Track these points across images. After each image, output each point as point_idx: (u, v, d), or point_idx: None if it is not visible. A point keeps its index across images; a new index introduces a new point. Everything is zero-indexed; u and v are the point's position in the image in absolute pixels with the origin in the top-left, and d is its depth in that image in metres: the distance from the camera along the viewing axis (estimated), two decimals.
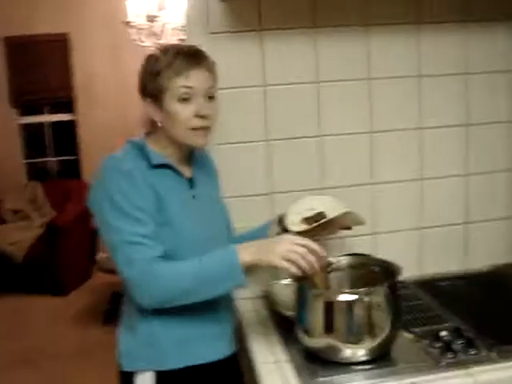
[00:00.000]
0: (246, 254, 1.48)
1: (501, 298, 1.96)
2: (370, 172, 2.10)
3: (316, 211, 1.81)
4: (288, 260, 1.45)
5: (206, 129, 1.59)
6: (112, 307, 4.43)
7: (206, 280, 1.49)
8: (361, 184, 2.10)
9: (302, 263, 1.45)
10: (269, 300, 1.97)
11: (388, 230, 2.15)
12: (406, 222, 2.17)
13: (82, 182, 5.99)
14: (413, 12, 2.04)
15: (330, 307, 1.52)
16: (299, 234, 1.76)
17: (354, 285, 1.74)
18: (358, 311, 1.50)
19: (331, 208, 1.82)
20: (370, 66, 2.03)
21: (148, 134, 1.67)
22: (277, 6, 1.94)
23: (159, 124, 1.60)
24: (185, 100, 1.54)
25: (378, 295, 1.52)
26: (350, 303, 1.50)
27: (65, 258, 5.17)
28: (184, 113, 1.55)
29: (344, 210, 1.77)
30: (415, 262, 2.19)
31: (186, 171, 1.67)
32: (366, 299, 1.50)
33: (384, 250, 2.11)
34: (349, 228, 1.85)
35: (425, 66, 2.08)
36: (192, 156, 1.70)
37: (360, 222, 1.83)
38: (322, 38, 1.99)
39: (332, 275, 1.73)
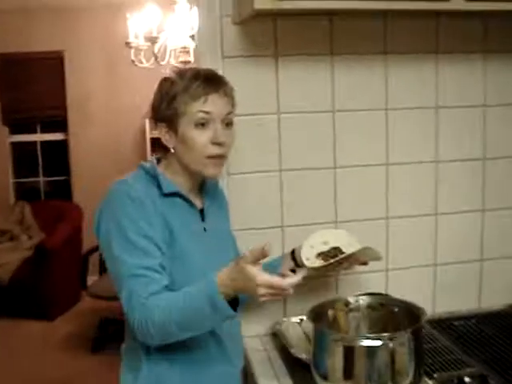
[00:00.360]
0: (226, 288, 1.36)
1: None
2: (385, 206, 2.01)
3: (331, 246, 1.73)
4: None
5: (221, 157, 1.51)
6: (101, 334, 4.30)
7: (192, 314, 1.38)
8: (375, 218, 2.01)
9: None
10: (278, 339, 1.87)
11: (401, 267, 2.06)
12: (419, 259, 2.08)
13: (73, 203, 5.87)
14: (431, 41, 1.97)
15: (350, 352, 1.42)
16: (314, 269, 1.68)
17: (372, 326, 1.65)
18: (381, 357, 1.40)
19: (346, 242, 1.75)
20: (387, 95, 1.96)
21: (159, 159, 1.58)
22: (293, 31, 1.87)
23: (172, 150, 1.51)
24: (202, 125, 1.47)
25: (403, 340, 1.42)
26: (372, 349, 1.40)
27: (53, 281, 5.01)
28: (200, 139, 1.47)
29: (362, 246, 1.69)
30: (428, 300, 2.10)
31: (197, 202, 1.59)
32: (390, 345, 1.40)
33: (396, 286, 2.05)
34: (365, 263, 1.76)
35: (442, 97, 2.01)
36: (203, 186, 1.62)
37: (377, 258, 1.75)
38: (338, 65, 1.92)
39: (349, 316, 1.64)
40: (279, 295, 1.35)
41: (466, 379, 1.56)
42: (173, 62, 4.14)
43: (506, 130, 2.09)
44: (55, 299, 5.08)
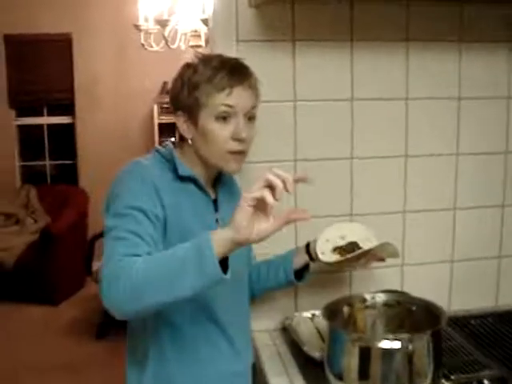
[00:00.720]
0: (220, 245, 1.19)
1: None
2: (403, 199, 1.94)
3: (347, 240, 1.66)
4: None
5: (242, 153, 1.44)
6: (106, 320, 4.25)
7: (174, 265, 1.20)
8: (391, 212, 1.95)
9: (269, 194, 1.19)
10: (289, 334, 1.81)
11: (417, 262, 2.00)
12: (436, 254, 2.02)
13: (79, 188, 5.82)
14: (455, 29, 1.89)
15: (367, 353, 1.35)
16: (330, 264, 1.62)
17: (388, 324, 1.59)
18: (399, 359, 1.34)
19: (363, 237, 1.68)
20: (408, 84, 1.88)
21: (174, 144, 1.52)
22: (312, 15, 1.79)
23: (189, 141, 1.44)
24: (223, 119, 1.39)
25: (422, 342, 1.36)
26: (390, 351, 1.34)
27: (57, 266, 4.97)
28: (221, 133, 1.40)
29: (380, 241, 1.62)
30: (444, 297, 2.03)
31: (211, 192, 1.52)
32: (409, 347, 1.34)
33: (412, 282, 1.99)
34: (383, 260, 1.69)
35: (465, 88, 1.93)
36: (218, 177, 1.55)
37: (395, 254, 1.68)
38: (358, 52, 1.84)
39: (365, 313, 1.58)
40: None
41: (486, 382, 1.50)
42: (183, 46, 4.07)
43: None
44: (60, 284, 5.04)
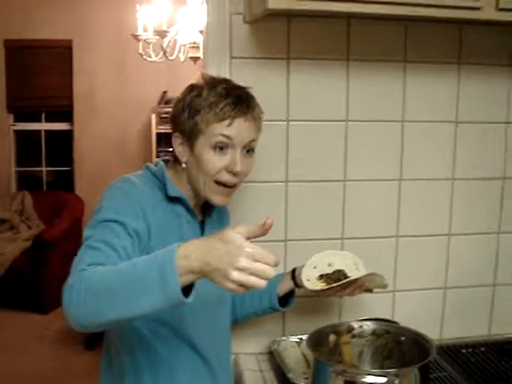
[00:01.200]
0: (190, 259, 1.06)
1: None
2: (396, 224, 1.90)
3: (335, 268, 1.60)
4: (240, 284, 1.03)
5: (232, 187, 1.40)
6: (95, 332, 4.19)
7: (132, 278, 1.10)
8: (384, 236, 1.90)
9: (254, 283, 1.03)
10: (275, 359, 1.76)
11: (409, 288, 1.95)
12: (428, 281, 1.97)
13: (75, 195, 5.77)
14: (454, 51, 1.85)
15: None
16: (315, 292, 1.57)
17: (375, 354, 1.54)
18: None
19: (352, 266, 1.61)
20: (404, 106, 1.84)
21: (166, 162, 1.48)
22: (308, 33, 1.75)
23: (183, 164, 1.40)
24: (220, 149, 1.35)
25: (409, 377, 1.31)
26: None
27: (50, 274, 4.91)
28: (216, 163, 1.35)
29: (368, 272, 1.57)
30: (436, 324, 1.99)
31: (198, 214, 1.48)
32: (396, 381, 1.28)
33: (403, 308, 1.95)
34: (370, 291, 1.64)
35: (463, 112, 1.89)
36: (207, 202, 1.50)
37: (383, 286, 1.62)
38: (355, 72, 1.80)
39: (352, 342, 1.53)
40: (258, 276, 1.02)
41: None
42: (182, 57, 4.04)
43: None
44: (51, 292, 4.97)
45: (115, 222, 1.26)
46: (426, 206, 1.92)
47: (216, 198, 1.40)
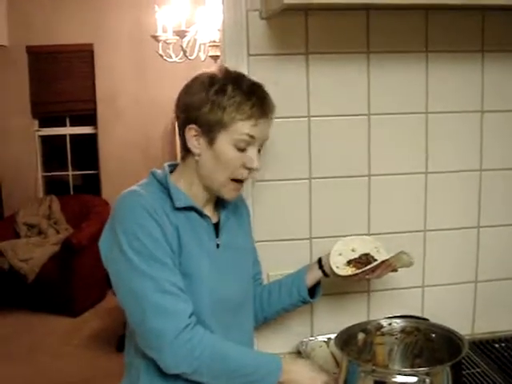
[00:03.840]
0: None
1: None
2: (423, 217, 1.86)
3: (360, 253, 1.60)
4: None
5: (243, 182, 1.41)
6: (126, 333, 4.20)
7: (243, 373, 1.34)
8: (411, 231, 1.86)
9: None
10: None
11: (438, 283, 1.91)
12: (459, 275, 1.92)
13: (101, 198, 5.80)
14: (477, 39, 1.80)
15: None
16: (345, 278, 1.57)
17: (405, 353, 1.50)
18: None
19: (373, 249, 1.62)
20: (427, 97, 1.80)
21: (172, 165, 1.46)
22: (326, 27, 1.72)
23: (196, 157, 1.37)
24: (242, 147, 1.35)
25: (441, 376, 1.27)
26: None
27: (78, 277, 4.96)
28: (237, 161, 1.36)
29: (397, 252, 1.56)
30: (468, 319, 1.95)
31: (213, 215, 1.46)
32: (427, 380, 1.25)
33: (433, 304, 1.91)
34: (395, 270, 1.61)
35: (488, 100, 1.84)
36: (220, 199, 1.48)
37: (409, 264, 1.60)
38: (375, 64, 1.76)
39: (383, 341, 1.50)
40: None
41: None
42: (202, 56, 4.02)
43: None
44: (80, 296, 5.03)
45: (162, 252, 1.30)
46: (453, 199, 1.88)
47: (229, 193, 1.40)
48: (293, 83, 1.73)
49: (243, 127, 1.33)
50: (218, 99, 1.33)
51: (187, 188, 1.41)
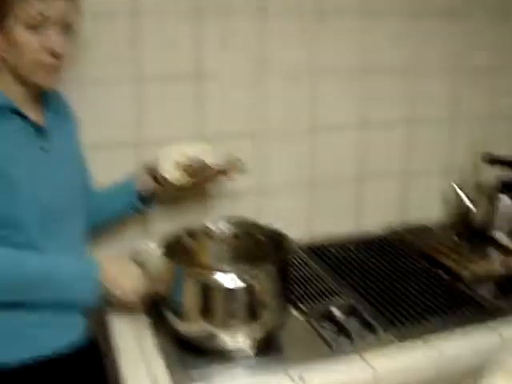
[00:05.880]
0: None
1: (395, 267, 1.78)
2: (257, 120, 1.82)
3: (191, 158, 1.54)
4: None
5: (55, 67, 1.26)
6: None
7: (53, 281, 1.24)
8: (247, 134, 1.82)
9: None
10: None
11: (275, 187, 1.91)
12: (294, 178, 1.93)
13: None
14: None
15: (207, 288, 1.23)
16: (178, 185, 1.53)
17: (236, 257, 1.49)
18: (241, 294, 1.23)
19: (205, 153, 1.56)
20: None
21: None
22: None
23: (2, 54, 1.23)
24: (34, 28, 1.20)
25: (265, 274, 1.25)
26: (232, 286, 1.22)
27: None
28: (33, 43, 1.21)
29: (230, 157, 1.54)
30: (304, 223, 1.98)
31: (36, 116, 1.32)
32: (252, 280, 1.23)
33: (271, 207, 1.91)
34: (229, 177, 1.59)
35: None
36: (44, 98, 1.35)
37: (243, 170, 1.58)
38: None
39: (211, 245, 1.47)
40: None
41: (335, 312, 1.44)
42: None
43: None
44: None
45: None
46: (288, 101, 1.85)
47: (43, 80, 1.27)
48: None
49: (30, 5, 1.18)
50: None
51: (5, 88, 1.27)
